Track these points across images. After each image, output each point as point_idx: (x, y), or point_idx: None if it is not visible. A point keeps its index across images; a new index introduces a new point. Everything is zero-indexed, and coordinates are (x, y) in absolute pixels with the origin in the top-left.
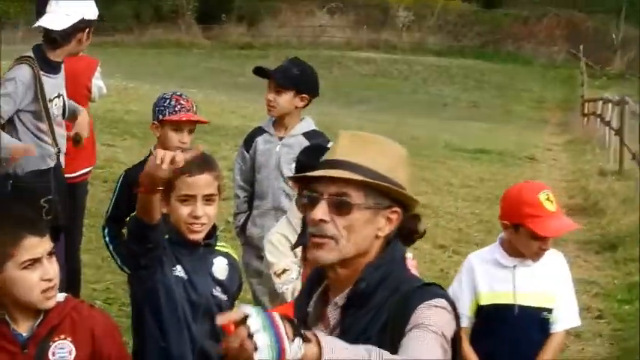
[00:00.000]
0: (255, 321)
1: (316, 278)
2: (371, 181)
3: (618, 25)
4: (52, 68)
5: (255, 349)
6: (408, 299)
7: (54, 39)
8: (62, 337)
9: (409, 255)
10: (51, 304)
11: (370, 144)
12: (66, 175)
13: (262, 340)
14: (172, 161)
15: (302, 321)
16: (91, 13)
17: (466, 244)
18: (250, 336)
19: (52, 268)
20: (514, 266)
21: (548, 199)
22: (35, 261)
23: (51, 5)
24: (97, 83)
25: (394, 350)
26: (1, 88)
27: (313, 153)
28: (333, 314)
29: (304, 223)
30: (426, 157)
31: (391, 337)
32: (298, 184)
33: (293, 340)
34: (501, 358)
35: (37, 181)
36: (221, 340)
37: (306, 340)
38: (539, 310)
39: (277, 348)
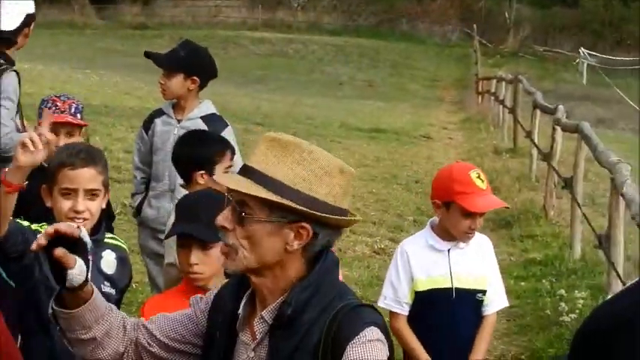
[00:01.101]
0: None
1: (241, 279)
2: (261, 196)
3: (511, 5)
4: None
5: None
6: (340, 329)
7: (9, 39)
8: None
9: None
10: None
11: (289, 152)
12: None
13: None
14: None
15: (228, 324)
16: (31, 5)
17: (363, 223)
18: None
19: None
20: (448, 250)
21: (479, 177)
22: None
23: None
24: None
25: None
26: (6, 102)
27: (187, 142)
28: (259, 327)
29: (176, 212)
30: (321, 136)
31: None
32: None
33: None
34: (440, 341)
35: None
36: None
37: None
38: (474, 292)
39: None
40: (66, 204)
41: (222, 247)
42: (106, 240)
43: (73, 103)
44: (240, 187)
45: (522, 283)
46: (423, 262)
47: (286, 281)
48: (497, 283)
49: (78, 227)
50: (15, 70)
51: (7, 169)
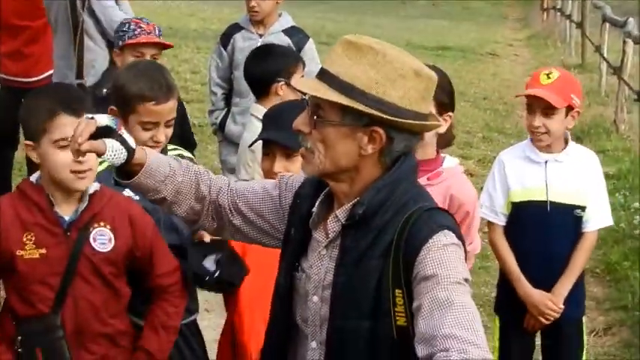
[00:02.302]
0: None
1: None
2: (331, 99)
3: None
4: None
5: None
6: (413, 232)
7: None
8: (102, 224)
9: (456, 161)
10: (81, 185)
11: (364, 54)
12: (28, 79)
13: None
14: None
15: (304, 221)
16: None
17: None
18: None
19: None
20: (545, 162)
21: (548, 75)
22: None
23: None
24: None
25: (396, 279)
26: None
27: (257, 56)
28: (332, 226)
29: (263, 122)
30: None
31: (394, 267)
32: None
33: None
34: (535, 255)
35: None
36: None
37: None
38: (572, 207)
39: None
40: (146, 135)
41: (301, 151)
42: (169, 152)
43: (155, 25)
44: (310, 90)
45: None
46: (519, 173)
47: (362, 184)
48: (601, 199)
49: (92, 118)
50: None
51: None
